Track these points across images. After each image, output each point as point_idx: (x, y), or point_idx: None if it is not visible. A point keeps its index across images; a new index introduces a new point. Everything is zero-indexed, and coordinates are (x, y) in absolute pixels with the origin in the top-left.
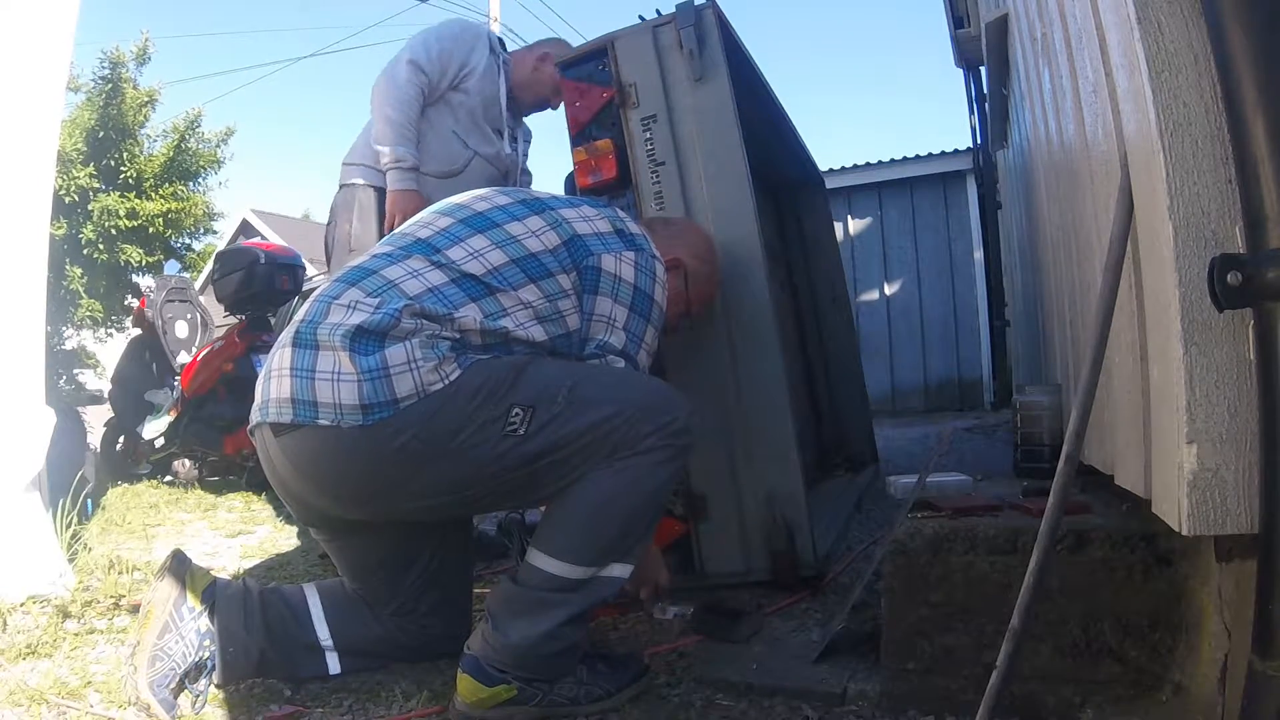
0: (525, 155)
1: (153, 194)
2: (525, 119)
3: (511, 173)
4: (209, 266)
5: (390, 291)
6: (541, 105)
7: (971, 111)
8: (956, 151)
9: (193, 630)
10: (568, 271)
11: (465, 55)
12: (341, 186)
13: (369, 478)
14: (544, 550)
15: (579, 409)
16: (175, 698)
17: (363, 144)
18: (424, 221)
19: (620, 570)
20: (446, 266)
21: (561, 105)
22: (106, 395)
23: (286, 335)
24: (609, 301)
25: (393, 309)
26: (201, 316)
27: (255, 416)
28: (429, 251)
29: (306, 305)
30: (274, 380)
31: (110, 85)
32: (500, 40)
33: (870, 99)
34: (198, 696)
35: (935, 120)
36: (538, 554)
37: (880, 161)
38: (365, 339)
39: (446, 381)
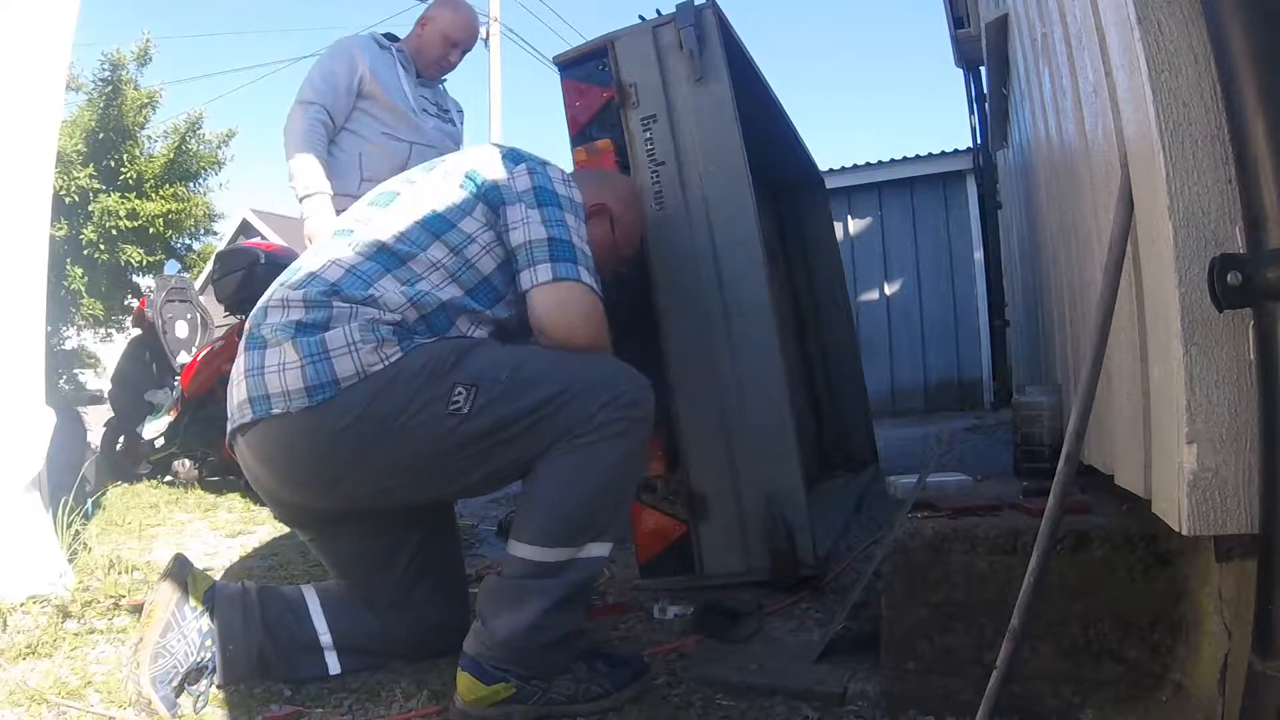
0: (461, 124)
1: (153, 195)
2: (455, 96)
3: (457, 144)
4: (209, 266)
5: (313, 282)
6: (442, 64)
7: (971, 111)
8: (956, 151)
9: (194, 630)
10: (469, 211)
11: (349, 67)
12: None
13: (324, 460)
14: (519, 539)
15: (524, 387)
16: (176, 697)
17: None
18: (343, 216)
19: (599, 549)
20: (358, 245)
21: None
22: (106, 395)
23: (242, 343)
24: (518, 208)
25: (317, 298)
26: (201, 316)
27: (228, 425)
28: (344, 235)
29: (253, 312)
30: (235, 386)
31: (111, 86)
32: (389, 35)
33: (870, 99)
34: (198, 697)
35: (935, 120)
36: (514, 543)
37: (880, 161)
38: (305, 330)
39: (387, 363)
